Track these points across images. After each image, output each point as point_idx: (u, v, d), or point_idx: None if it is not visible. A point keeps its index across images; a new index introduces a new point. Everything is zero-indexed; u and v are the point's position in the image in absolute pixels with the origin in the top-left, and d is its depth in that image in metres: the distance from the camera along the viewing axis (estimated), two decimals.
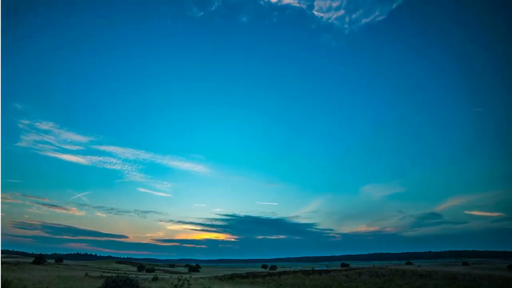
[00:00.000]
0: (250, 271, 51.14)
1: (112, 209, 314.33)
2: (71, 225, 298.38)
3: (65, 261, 78.19)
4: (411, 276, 29.10)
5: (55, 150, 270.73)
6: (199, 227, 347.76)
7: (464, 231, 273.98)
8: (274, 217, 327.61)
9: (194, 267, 74.77)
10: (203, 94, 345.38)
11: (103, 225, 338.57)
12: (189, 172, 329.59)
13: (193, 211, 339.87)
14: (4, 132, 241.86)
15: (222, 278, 37.19)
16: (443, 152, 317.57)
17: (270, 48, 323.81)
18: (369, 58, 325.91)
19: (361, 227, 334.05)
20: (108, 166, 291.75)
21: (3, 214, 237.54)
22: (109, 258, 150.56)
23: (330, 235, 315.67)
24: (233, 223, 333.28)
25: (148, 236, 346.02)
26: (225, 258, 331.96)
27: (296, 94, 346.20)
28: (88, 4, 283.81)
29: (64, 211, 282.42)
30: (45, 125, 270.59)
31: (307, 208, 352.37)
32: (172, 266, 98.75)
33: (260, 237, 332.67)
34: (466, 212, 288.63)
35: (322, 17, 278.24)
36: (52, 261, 68.65)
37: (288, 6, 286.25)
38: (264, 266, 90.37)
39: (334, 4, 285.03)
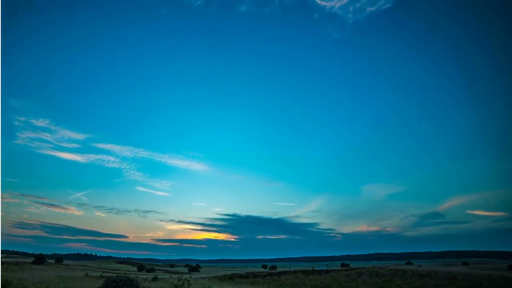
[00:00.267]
0: (250, 271, 51.15)
1: (112, 208, 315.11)
2: (70, 225, 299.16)
3: (65, 261, 78.25)
4: (411, 276, 29.10)
5: (52, 148, 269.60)
6: (199, 227, 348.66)
7: (466, 231, 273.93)
8: (275, 216, 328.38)
9: (194, 267, 74.82)
10: (202, 91, 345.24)
11: (103, 225, 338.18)
12: (188, 170, 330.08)
13: (193, 210, 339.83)
14: (2, 130, 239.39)
15: (222, 278, 37.20)
16: (444, 151, 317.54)
17: (270, 46, 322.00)
18: (370, 53, 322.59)
19: (362, 227, 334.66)
20: (106, 165, 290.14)
21: (2, 214, 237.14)
22: (109, 258, 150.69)
23: (331, 235, 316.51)
24: (233, 223, 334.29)
25: (148, 236, 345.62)
26: (225, 258, 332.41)
27: (295, 94, 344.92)
28: (88, 4, 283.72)
29: (63, 211, 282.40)
30: (41, 122, 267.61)
31: (308, 208, 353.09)
32: (172, 266, 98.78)
33: (260, 237, 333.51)
34: (468, 211, 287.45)
35: (325, 6, 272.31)
36: (52, 261, 68.70)
37: None
38: (264, 266, 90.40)
39: None
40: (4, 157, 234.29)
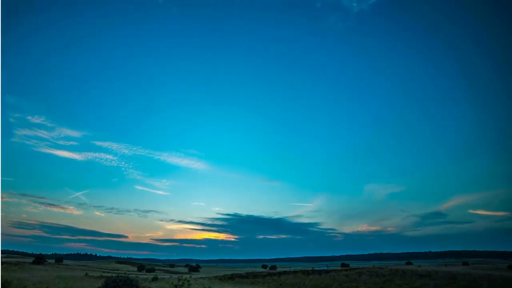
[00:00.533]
0: (250, 271, 51.15)
1: (111, 208, 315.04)
2: (69, 225, 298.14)
3: (65, 261, 78.32)
4: (411, 276, 29.11)
5: (49, 146, 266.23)
6: (199, 227, 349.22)
7: (467, 231, 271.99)
8: (275, 216, 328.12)
9: (194, 267, 74.83)
10: (201, 90, 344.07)
11: (102, 225, 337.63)
12: (187, 169, 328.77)
13: (193, 210, 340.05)
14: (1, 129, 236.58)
15: (222, 278, 37.21)
16: (445, 150, 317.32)
17: (270, 46, 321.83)
18: (370, 52, 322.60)
19: (363, 227, 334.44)
20: (105, 163, 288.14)
21: (1, 214, 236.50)
22: (109, 258, 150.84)
23: (332, 234, 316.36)
24: (233, 223, 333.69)
25: (148, 235, 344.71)
26: (225, 258, 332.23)
27: (295, 94, 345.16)
28: (88, 4, 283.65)
29: (62, 210, 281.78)
30: (36, 119, 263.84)
31: (308, 208, 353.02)
32: (172, 266, 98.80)
33: (261, 236, 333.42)
34: (471, 211, 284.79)
35: None
36: (52, 261, 68.75)
37: None
38: (264, 266, 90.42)
39: None
40: (1, 155, 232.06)
